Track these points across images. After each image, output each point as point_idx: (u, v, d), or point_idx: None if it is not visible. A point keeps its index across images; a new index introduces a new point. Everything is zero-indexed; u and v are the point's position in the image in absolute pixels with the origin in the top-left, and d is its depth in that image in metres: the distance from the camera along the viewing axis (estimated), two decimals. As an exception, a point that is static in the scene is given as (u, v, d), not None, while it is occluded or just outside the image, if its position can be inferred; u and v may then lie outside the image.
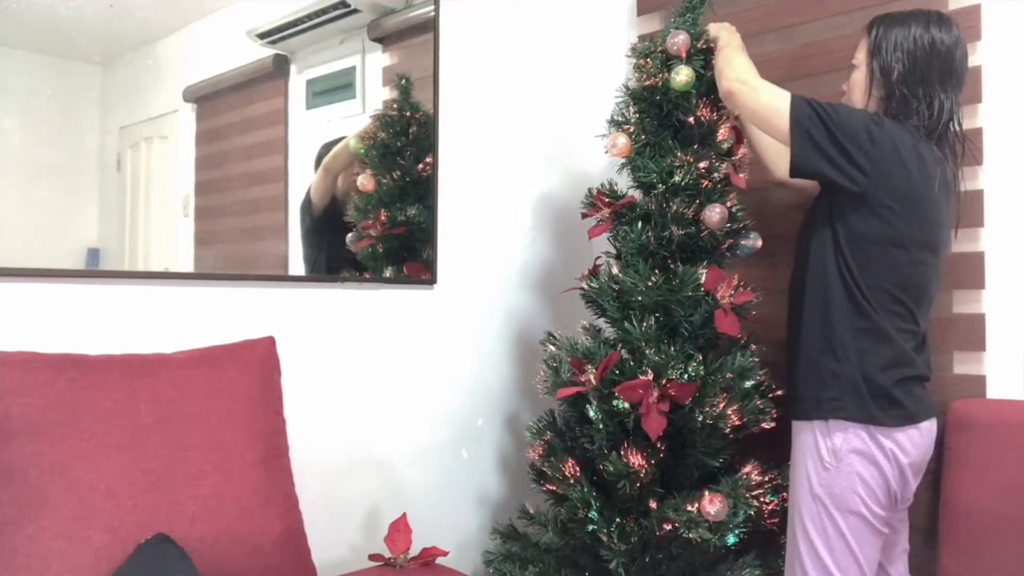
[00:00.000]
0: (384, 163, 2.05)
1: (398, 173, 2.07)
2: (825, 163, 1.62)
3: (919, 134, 1.64)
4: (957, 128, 1.69)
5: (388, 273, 2.05)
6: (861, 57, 1.75)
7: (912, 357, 1.65)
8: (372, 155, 2.03)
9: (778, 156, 1.94)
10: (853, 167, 1.60)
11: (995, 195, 1.90)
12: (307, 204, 1.92)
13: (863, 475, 1.61)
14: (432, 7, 2.13)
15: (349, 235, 2.00)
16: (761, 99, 1.71)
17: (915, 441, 1.64)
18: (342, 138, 2.00)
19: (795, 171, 1.67)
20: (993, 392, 1.89)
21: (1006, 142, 1.89)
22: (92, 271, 1.59)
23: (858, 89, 1.75)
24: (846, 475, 1.62)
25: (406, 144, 2.09)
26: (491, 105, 2.30)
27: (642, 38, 2.49)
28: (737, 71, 1.76)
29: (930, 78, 1.65)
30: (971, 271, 1.91)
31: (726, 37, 1.86)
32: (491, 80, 2.30)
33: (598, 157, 2.30)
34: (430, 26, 2.13)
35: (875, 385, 1.62)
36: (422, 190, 2.11)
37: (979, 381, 1.90)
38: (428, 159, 2.13)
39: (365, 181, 2.01)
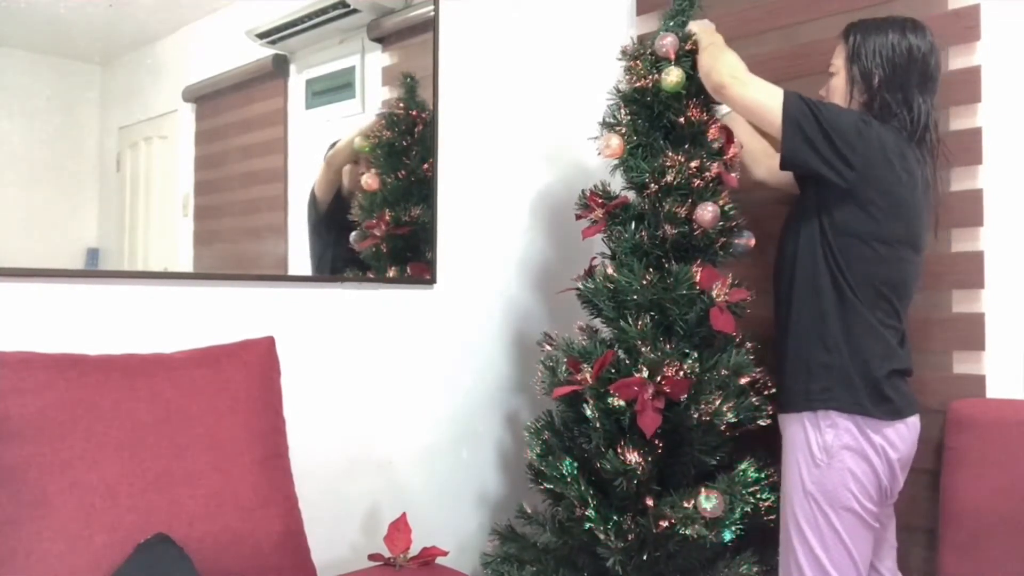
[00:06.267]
0: (389, 162, 2.05)
1: (403, 172, 2.07)
2: (815, 157, 1.65)
3: (901, 136, 1.68)
4: (933, 131, 1.72)
5: (392, 273, 2.05)
6: (839, 63, 1.78)
7: (898, 351, 1.68)
8: (377, 154, 2.03)
9: (761, 155, 1.97)
10: (842, 162, 1.63)
11: (995, 195, 1.90)
12: (312, 200, 1.92)
13: (855, 471, 1.63)
14: (431, 7, 2.13)
15: (353, 234, 2.00)
16: (752, 93, 1.73)
17: (903, 436, 1.67)
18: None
19: (785, 164, 1.71)
20: (993, 392, 1.89)
21: (1006, 142, 1.89)
22: (92, 271, 1.59)
23: (838, 95, 1.78)
24: (838, 471, 1.64)
25: (412, 143, 2.09)
26: (491, 105, 2.30)
27: (642, 38, 2.49)
28: (727, 66, 1.78)
29: (909, 83, 1.69)
30: (971, 271, 1.91)
31: (708, 37, 1.88)
32: (491, 80, 2.30)
33: (597, 157, 2.29)
34: (430, 26, 2.13)
35: (866, 376, 1.64)
36: (427, 190, 2.11)
37: (979, 381, 1.90)
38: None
39: (370, 180, 2.01)
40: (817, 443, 1.65)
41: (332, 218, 1.96)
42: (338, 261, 1.97)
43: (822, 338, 1.67)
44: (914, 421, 1.70)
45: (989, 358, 1.90)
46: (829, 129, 1.63)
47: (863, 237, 1.65)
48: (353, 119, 2.01)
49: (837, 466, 1.63)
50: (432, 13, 2.13)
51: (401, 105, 2.06)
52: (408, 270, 2.08)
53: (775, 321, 1.81)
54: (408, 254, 2.09)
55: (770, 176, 1.94)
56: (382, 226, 2.03)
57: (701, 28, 1.92)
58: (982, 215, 1.90)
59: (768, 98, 1.70)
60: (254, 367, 1.60)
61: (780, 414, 1.79)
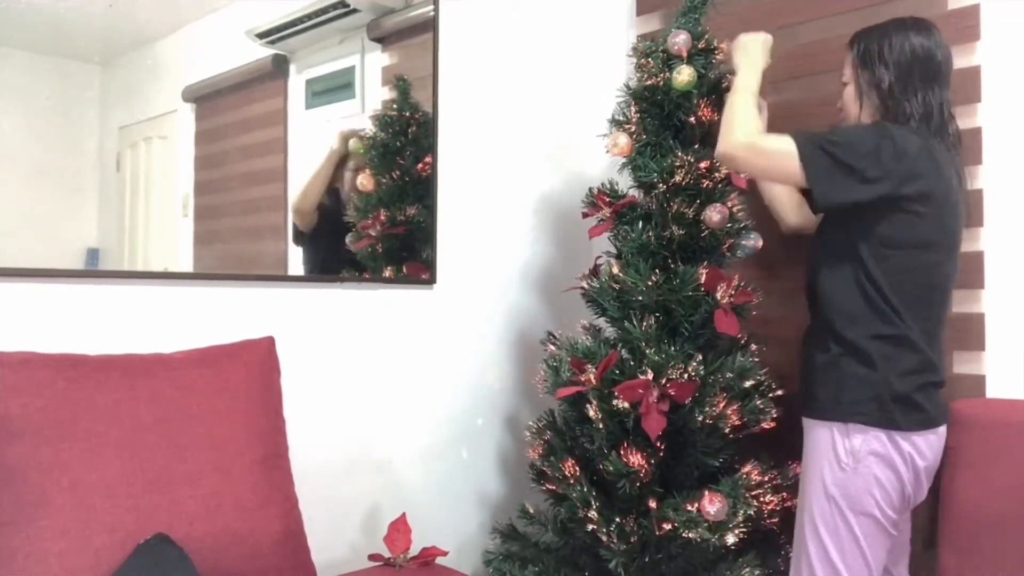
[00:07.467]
0: (384, 163, 2.05)
1: (397, 173, 2.07)
2: (849, 192, 1.60)
3: (925, 134, 1.64)
4: (954, 124, 1.70)
5: (388, 273, 2.05)
6: (849, 74, 1.76)
7: (935, 363, 1.65)
8: (372, 155, 2.04)
9: (793, 207, 1.94)
10: (874, 184, 1.59)
11: (995, 195, 1.90)
12: (295, 228, 1.91)
13: (880, 478, 1.61)
14: (431, 7, 2.13)
15: (348, 235, 2.00)
16: (767, 159, 1.67)
17: (932, 444, 1.65)
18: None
19: (821, 208, 1.68)
20: (993, 392, 1.89)
21: (1006, 142, 1.89)
22: (92, 271, 1.59)
23: (852, 105, 1.76)
24: (863, 477, 1.61)
25: (405, 144, 2.09)
26: (491, 105, 2.30)
27: (642, 38, 2.49)
28: (739, 134, 1.69)
29: (917, 83, 1.66)
30: (971, 271, 1.91)
31: (743, 76, 1.78)
32: (491, 80, 2.30)
33: (598, 157, 2.30)
34: (429, 26, 2.13)
35: (897, 391, 1.61)
36: (422, 190, 2.11)
37: (979, 381, 1.90)
38: (428, 159, 2.13)
39: (365, 181, 2.02)
40: (844, 447, 1.62)
41: (318, 233, 1.96)
42: (330, 263, 1.97)
43: (855, 350, 1.64)
44: (943, 430, 1.68)
45: (989, 358, 1.90)
46: (851, 160, 1.58)
47: (903, 246, 1.62)
48: (353, 119, 2.01)
49: (863, 471, 1.61)
50: (432, 13, 2.13)
51: (394, 107, 2.06)
52: (404, 270, 2.08)
53: (808, 327, 1.78)
54: (404, 254, 2.09)
55: (805, 223, 1.91)
56: (377, 226, 2.03)
57: (744, 49, 1.82)
58: (982, 215, 1.90)
59: (782, 157, 1.63)
60: (254, 367, 1.59)
61: (805, 417, 1.74)
